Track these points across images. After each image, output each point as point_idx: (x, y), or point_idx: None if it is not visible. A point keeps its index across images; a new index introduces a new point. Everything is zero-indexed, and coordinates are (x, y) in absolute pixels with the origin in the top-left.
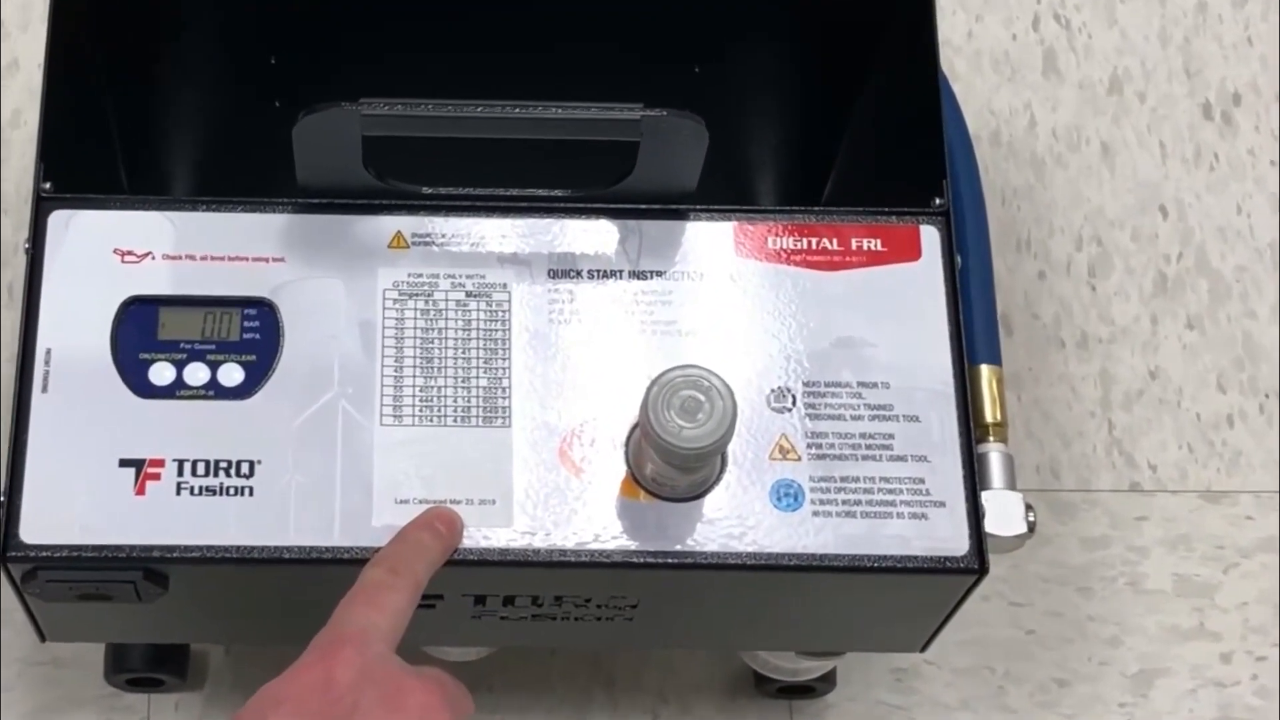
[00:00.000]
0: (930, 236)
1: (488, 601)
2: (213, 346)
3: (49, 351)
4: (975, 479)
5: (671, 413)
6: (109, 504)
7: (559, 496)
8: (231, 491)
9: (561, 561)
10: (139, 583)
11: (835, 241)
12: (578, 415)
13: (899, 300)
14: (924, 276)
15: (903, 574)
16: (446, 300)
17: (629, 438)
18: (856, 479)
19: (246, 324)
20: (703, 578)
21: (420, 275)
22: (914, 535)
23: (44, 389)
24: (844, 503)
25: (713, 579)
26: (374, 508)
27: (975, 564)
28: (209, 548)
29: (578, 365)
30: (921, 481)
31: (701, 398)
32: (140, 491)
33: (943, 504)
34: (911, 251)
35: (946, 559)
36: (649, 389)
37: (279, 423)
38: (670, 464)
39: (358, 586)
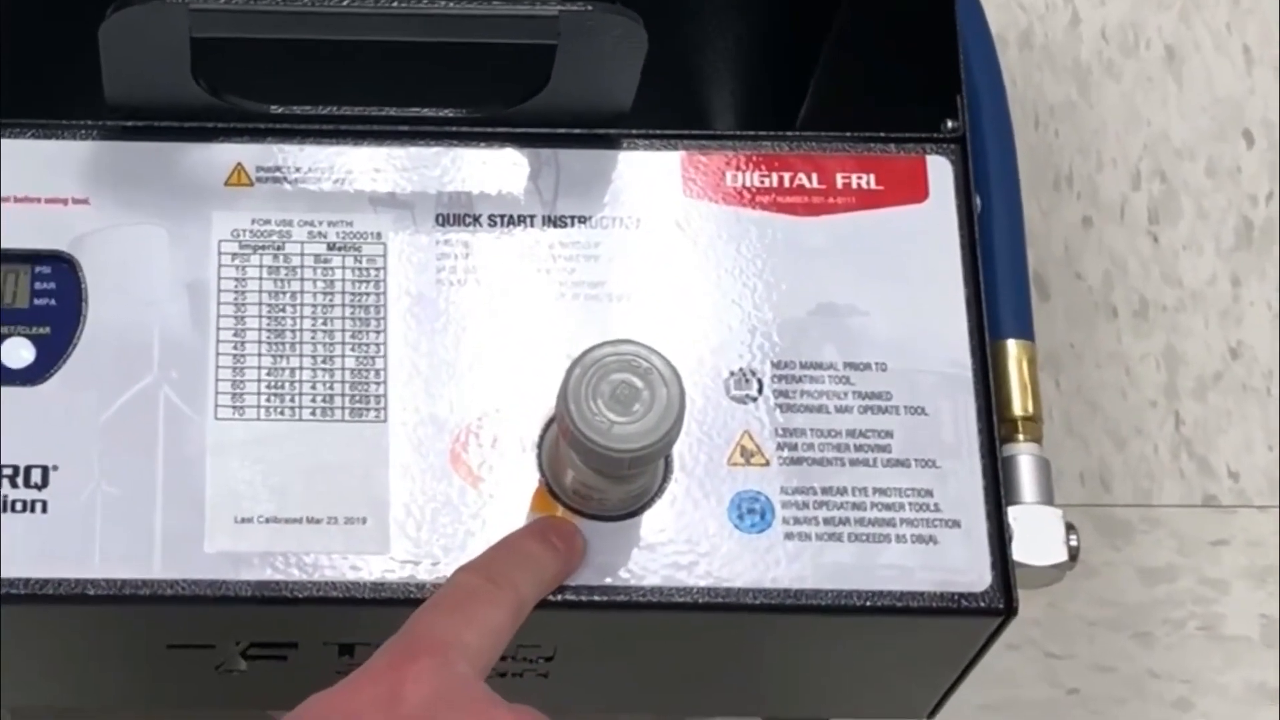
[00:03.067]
0: (940, 170)
1: (356, 652)
2: None
3: None
4: (1000, 491)
5: (599, 403)
6: None
7: (451, 513)
8: (18, 507)
9: None
10: None
11: (815, 177)
12: (475, 407)
13: (899, 255)
14: (932, 223)
15: (903, 615)
16: (302, 255)
17: (543, 436)
18: (843, 490)
19: (38, 286)
20: (640, 621)
21: (268, 222)
22: (918, 565)
23: None
24: (826, 521)
25: (653, 622)
26: (207, 529)
27: (999, 603)
28: None
29: (475, 340)
30: (928, 494)
31: (638, 383)
32: None
33: (957, 523)
34: (916, 190)
35: (961, 596)
36: (569, 372)
37: (81, 416)
38: (598, 471)
39: (443, 591)
